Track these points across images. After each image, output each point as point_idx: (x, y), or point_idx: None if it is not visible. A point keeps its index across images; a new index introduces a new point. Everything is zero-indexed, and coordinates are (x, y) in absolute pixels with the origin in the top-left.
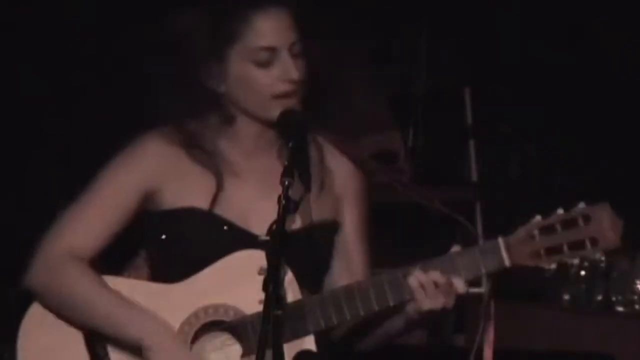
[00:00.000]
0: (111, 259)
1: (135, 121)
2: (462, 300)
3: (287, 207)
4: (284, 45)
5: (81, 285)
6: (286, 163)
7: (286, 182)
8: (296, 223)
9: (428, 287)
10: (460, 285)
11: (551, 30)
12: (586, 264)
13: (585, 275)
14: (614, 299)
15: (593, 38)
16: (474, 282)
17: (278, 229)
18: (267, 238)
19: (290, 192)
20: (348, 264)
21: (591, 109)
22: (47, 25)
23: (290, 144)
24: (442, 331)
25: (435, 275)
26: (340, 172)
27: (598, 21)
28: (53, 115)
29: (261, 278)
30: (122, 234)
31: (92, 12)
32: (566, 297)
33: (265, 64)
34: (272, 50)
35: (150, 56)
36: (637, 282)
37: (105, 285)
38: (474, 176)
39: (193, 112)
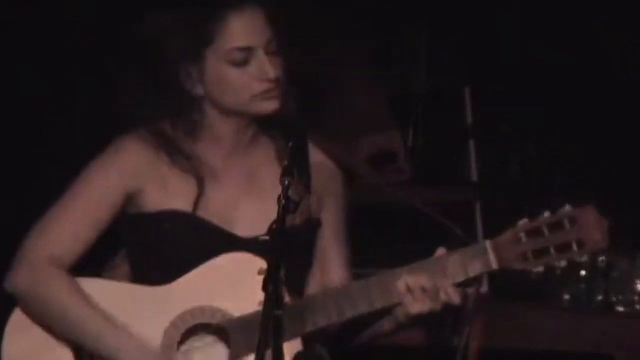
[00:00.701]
0: (90, 258)
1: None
2: (462, 301)
3: (287, 207)
4: (259, 44)
5: (66, 302)
6: (286, 163)
7: (286, 182)
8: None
9: (416, 291)
10: (450, 291)
11: (551, 30)
12: (585, 272)
13: (585, 275)
14: (614, 299)
15: (593, 38)
16: (468, 284)
17: (278, 228)
18: (267, 238)
19: (290, 192)
20: (323, 264)
21: (591, 109)
22: (47, 25)
23: (290, 144)
24: (441, 332)
25: (423, 280)
26: (322, 170)
27: (598, 21)
28: (53, 116)
29: (249, 281)
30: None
31: (86, 13)
32: (566, 297)
33: (241, 64)
34: (248, 50)
35: (127, 58)
36: (637, 282)
37: (90, 304)
38: (474, 176)
39: (171, 114)
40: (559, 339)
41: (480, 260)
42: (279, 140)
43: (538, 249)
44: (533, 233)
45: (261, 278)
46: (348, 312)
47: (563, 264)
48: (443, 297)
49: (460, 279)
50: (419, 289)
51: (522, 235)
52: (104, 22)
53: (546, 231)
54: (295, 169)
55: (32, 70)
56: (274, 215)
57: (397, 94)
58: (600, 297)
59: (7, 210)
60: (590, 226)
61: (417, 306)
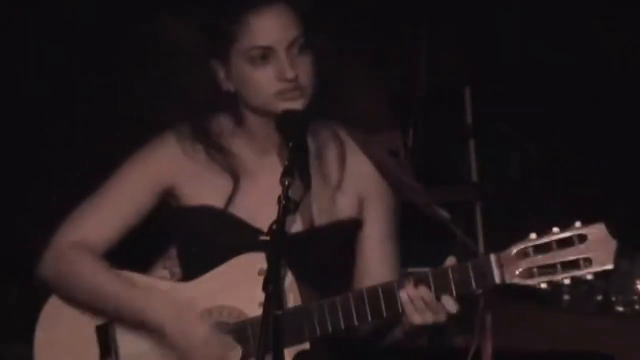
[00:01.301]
0: (145, 249)
1: (137, 122)
2: (464, 301)
3: (287, 207)
4: (280, 43)
5: (92, 272)
6: (286, 163)
7: (286, 182)
8: (310, 221)
9: (417, 302)
10: (450, 304)
11: (551, 30)
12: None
13: None
14: (614, 299)
15: (593, 38)
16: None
17: (278, 229)
18: (267, 238)
19: (290, 192)
20: (367, 264)
21: (591, 108)
22: (58, 27)
23: (290, 144)
24: (441, 332)
25: (424, 292)
26: (364, 169)
27: (598, 21)
28: (56, 116)
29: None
30: (151, 227)
31: (97, 14)
32: (566, 297)
33: (262, 63)
34: (268, 49)
35: (158, 57)
36: (637, 282)
37: (116, 273)
38: (474, 176)
39: (207, 112)
40: (559, 339)
41: (483, 274)
42: (315, 140)
43: (544, 265)
44: (540, 248)
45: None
46: (356, 318)
47: (567, 281)
48: (444, 311)
49: (463, 291)
50: (420, 300)
51: (530, 250)
52: (115, 21)
53: (554, 247)
54: (295, 169)
55: (33, 70)
56: (303, 214)
57: (397, 94)
58: (600, 297)
59: (8, 210)
60: (599, 245)
61: (418, 317)
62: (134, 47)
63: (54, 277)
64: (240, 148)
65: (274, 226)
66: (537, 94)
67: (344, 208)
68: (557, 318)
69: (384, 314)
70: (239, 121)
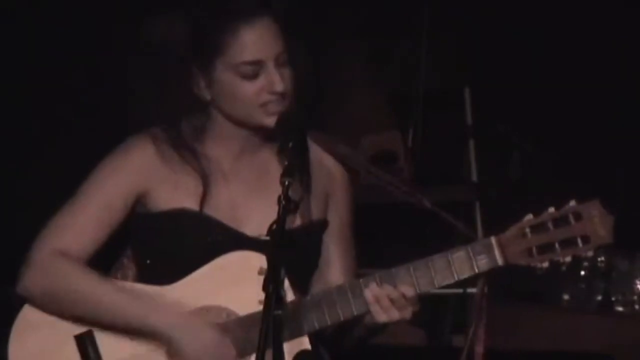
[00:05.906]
0: (96, 259)
1: (125, 124)
2: (462, 301)
3: (287, 207)
4: (269, 56)
5: (86, 282)
6: (286, 163)
7: (286, 182)
8: (292, 223)
9: (382, 301)
10: (410, 293)
11: (551, 30)
12: (586, 263)
13: (585, 275)
14: (613, 299)
15: (593, 38)
16: (471, 282)
17: (278, 228)
18: (267, 238)
19: (290, 192)
20: (324, 265)
21: (591, 109)
22: (47, 26)
23: (290, 144)
24: (440, 332)
25: (389, 290)
26: (326, 171)
27: (598, 21)
28: (57, 115)
29: (253, 279)
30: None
31: (84, 19)
32: (566, 297)
33: (251, 77)
34: (258, 63)
35: (136, 60)
36: (637, 282)
37: (109, 280)
38: (474, 176)
39: (180, 115)
40: (559, 339)
41: (485, 256)
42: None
43: (542, 244)
44: (538, 228)
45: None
46: (329, 317)
47: (568, 259)
48: (411, 305)
49: (466, 275)
50: (386, 298)
51: (527, 230)
52: (105, 21)
53: (551, 226)
54: (295, 169)
55: (30, 71)
56: (303, 213)
57: (397, 94)
58: (599, 297)
59: (7, 209)
60: (595, 221)
61: (384, 316)
62: (121, 46)
63: (42, 293)
64: (213, 151)
65: (274, 226)
66: (537, 94)
67: (315, 209)
68: (557, 318)
69: (354, 313)
70: (213, 127)
